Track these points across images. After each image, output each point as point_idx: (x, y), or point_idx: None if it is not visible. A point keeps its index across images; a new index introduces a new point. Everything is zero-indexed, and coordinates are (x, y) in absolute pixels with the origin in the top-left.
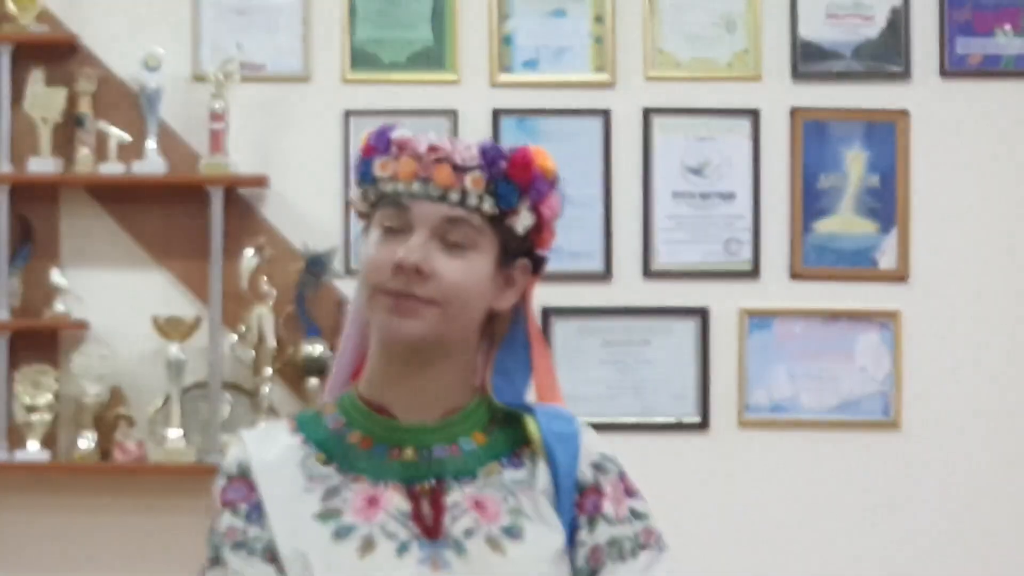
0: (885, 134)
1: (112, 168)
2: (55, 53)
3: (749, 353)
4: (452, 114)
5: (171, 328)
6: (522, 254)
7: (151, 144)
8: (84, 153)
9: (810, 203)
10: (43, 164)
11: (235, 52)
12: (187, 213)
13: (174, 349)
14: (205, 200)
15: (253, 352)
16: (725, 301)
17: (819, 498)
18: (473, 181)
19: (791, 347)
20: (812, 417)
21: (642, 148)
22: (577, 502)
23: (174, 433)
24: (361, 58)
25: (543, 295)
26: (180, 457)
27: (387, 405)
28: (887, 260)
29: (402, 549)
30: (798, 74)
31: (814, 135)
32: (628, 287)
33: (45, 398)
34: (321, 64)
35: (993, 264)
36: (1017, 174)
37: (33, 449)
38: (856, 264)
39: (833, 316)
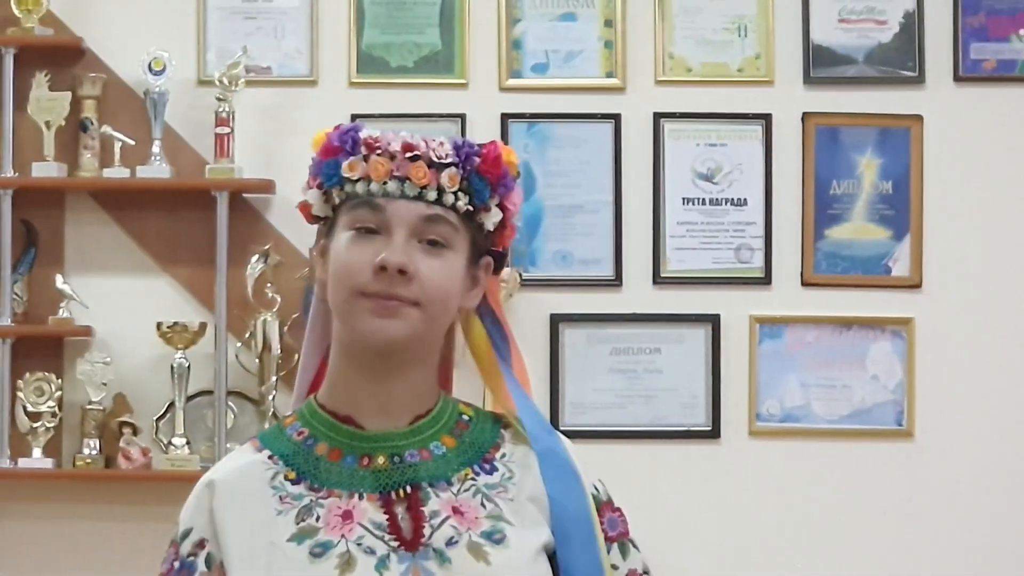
0: (898, 140)
1: (117, 173)
2: (60, 56)
3: (760, 361)
4: (460, 118)
5: (176, 335)
6: (485, 252)
7: (156, 149)
8: (88, 158)
9: (822, 210)
10: (47, 169)
11: (241, 56)
12: (192, 218)
13: (179, 356)
14: (211, 205)
15: (258, 360)
16: (736, 309)
17: (831, 508)
18: (449, 178)
19: (803, 355)
20: (824, 426)
21: (652, 154)
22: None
23: (179, 441)
24: (368, 62)
25: (552, 302)
26: (185, 465)
27: (352, 413)
28: (900, 267)
29: (381, 565)
30: (810, 79)
31: (826, 141)
32: (638, 294)
33: (49, 405)
34: (328, 68)
35: (1008, 272)
36: None
37: (37, 457)
38: (869, 272)
39: (846, 324)
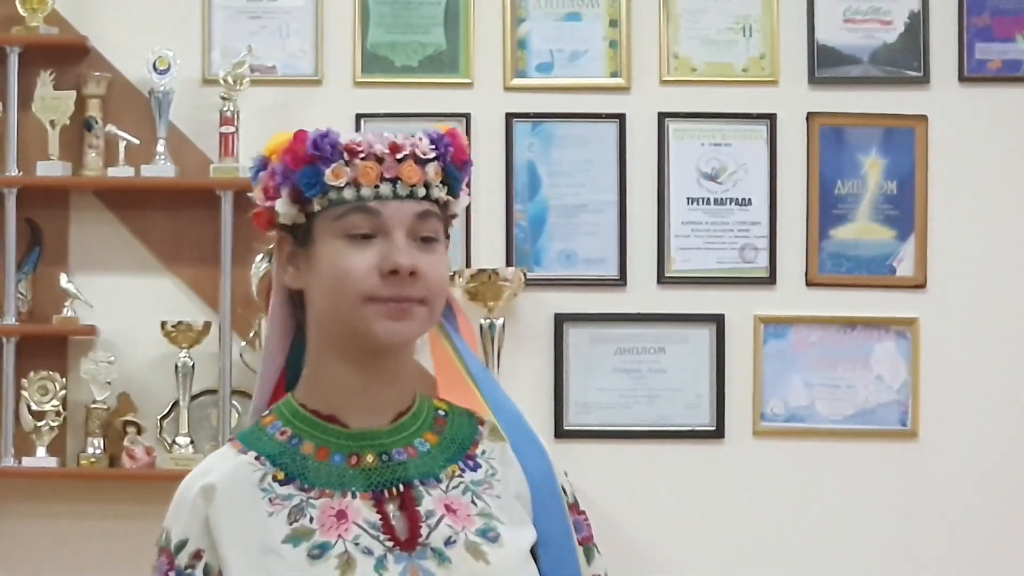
0: (903, 140)
1: (121, 172)
2: (64, 56)
3: (764, 361)
4: (465, 118)
5: (180, 334)
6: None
7: (161, 148)
8: (93, 157)
9: (827, 209)
10: (52, 168)
11: (246, 55)
12: (197, 217)
13: (183, 355)
14: (215, 204)
15: None
16: (740, 309)
17: (835, 508)
18: (434, 172)
19: (807, 355)
20: (828, 426)
21: (657, 153)
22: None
23: (183, 440)
24: (373, 61)
25: (556, 301)
26: (189, 464)
27: (336, 412)
28: (905, 268)
29: (379, 565)
30: (815, 79)
31: (831, 141)
32: (642, 294)
33: (53, 404)
34: (333, 67)
35: (1012, 272)
36: None
37: (41, 455)
38: (873, 272)
39: (850, 324)
